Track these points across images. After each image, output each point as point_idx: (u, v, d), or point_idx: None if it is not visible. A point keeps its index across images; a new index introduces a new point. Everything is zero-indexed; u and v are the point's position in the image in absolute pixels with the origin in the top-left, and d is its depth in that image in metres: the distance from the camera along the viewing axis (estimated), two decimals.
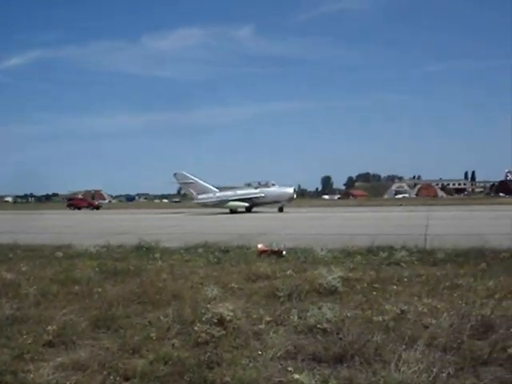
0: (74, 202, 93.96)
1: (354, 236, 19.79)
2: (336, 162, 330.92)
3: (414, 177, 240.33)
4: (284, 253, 14.10)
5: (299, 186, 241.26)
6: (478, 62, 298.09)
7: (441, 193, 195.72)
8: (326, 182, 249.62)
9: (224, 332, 6.66)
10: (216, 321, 6.99)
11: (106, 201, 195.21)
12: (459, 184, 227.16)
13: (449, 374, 5.28)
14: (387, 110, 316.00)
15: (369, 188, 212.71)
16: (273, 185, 55.61)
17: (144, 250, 15.81)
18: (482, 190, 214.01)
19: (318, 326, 6.87)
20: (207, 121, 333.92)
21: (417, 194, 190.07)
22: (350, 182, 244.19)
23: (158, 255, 14.46)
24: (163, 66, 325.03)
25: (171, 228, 31.26)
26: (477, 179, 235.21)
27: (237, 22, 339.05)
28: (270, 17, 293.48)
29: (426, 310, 7.61)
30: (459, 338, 6.30)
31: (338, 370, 5.59)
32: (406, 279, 10.19)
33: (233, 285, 9.95)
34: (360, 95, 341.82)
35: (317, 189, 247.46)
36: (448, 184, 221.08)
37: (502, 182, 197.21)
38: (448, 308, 7.63)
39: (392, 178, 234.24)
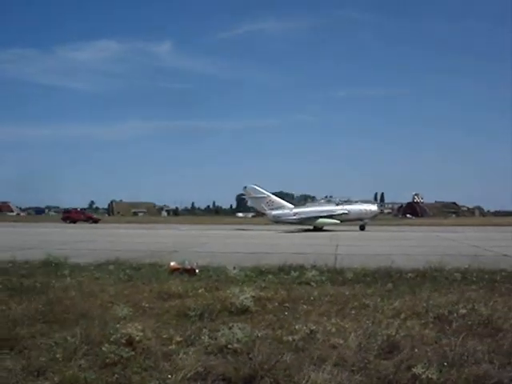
0: (71, 215, 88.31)
1: (267, 254, 19.98)
2: (250, 179, 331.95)
3: (326, 196, 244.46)
4: (197, 271, 14.02)
5: (214, 203, 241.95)
6: (387, 90, 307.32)
7: None
8: (241, 199, 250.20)
9: (133, 353, 6.53)
10: (125, 341, 6.85)
11: (14, 213, 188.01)
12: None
13: None
14: (299, 129, 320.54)
15: None
16: (356, 202, 53.74)
17: (52, 266, 15.30)
18: (390, 211, 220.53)
19: (229, 346, 6.85)
20: (104, 135, 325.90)
21: None
22: None
23: (66, 272, 14.02)
24: (75, 78, 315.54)
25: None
26: (385, 201, 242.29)
27: (156, 37, 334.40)
28: (189, 34, 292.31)
29: (334, 330, 7.75)
30: (366, 358, 6.45)
31: None
32: (315, 299, 10.34)
33: (144, 304, 9.79)
34: (273, 114, 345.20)
35: (231, 206, 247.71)
36: None
37: (409, 204, 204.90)
38: (356, 328, 7.80)
39: (305, 198, 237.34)
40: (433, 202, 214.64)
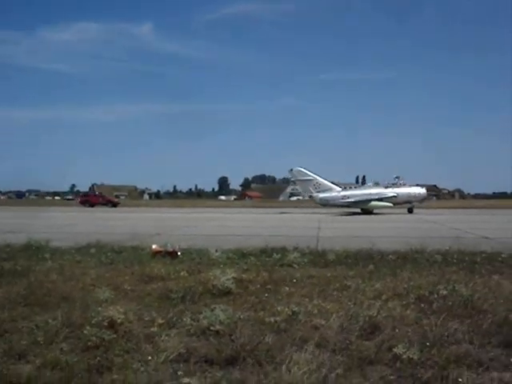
0: (89, 199, 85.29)
1: (249, 237, 20.01)
2: (233, 162, 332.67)
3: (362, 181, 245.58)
4: (179, 253, 14.00)
5: (196, 187, 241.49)
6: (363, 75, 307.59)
7: None
8: (223, 182, 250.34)
9: (115, 335, 6.52)
10: (106, 324, 6.83)
11: None
12: (350, 187, 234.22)
13: (337, 374, 5.43)
14: (285, 113, 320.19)
15: (264, 190, 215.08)
16: (404, 185, 52.20)
17: (34, 250, 15.18)
18: None
19: (211, 328, 6.86)
20: (90, 118, 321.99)
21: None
22: (247, 184, 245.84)
23: (47, 255, 13.93)
24: (57, 59, 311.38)
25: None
26: (367, 183, 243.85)
27: (138, 18, 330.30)
28: (172, 16, 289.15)
29: (316, 311, 7.79)
30: (348, 339, 6.50)
31: (230, 372, 5.61)
32: (297, 280, 10.38)
33: (125, 286, 9.76)
34: (260, 98, 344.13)
35: (213, 189, 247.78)
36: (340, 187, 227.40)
37: None
38: (337, 309, 7.85)
39: (287, 181, 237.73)
40: (414, 184, 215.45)
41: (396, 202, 50.85)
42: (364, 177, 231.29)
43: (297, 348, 6.10)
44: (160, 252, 14.04)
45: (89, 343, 6.29)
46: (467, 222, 34.66)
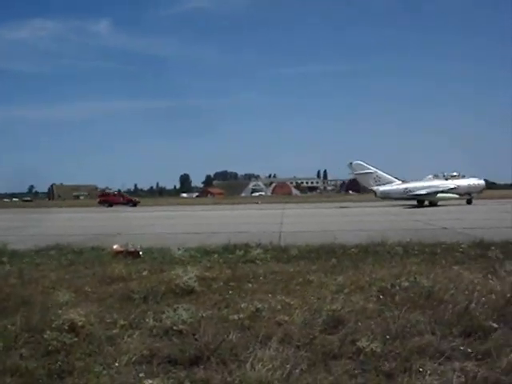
0: (109, 199, 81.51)
1: (212, 234, 19.94)
2: (194, 160, 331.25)
3: (269, 175, 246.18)
4: (141, 253, 13.86)
5: (157, 184, 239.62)
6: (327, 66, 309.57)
7: (295, 191, 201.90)
8: (185, 180, 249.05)
9: (76, 339, 6.41)
10: (67, 327, 6.71)
11: None
12: (312, 182, 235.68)
13: (302, 369, 5.43)
14: (241, 108, 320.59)
15: (226, 186, 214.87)
16: (463, 176, 52.85)
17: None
18: (333, 187, 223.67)
19: (174, 327, 6.80)
20: (45, 117, 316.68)
21: (272, 192, 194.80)
22: (209, 180, 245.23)
23: (5, 259, 13.62)
24: (15, 58, 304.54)
25: None
26: (328, 178, 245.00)
27: (95, 15, 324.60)
28: (129, 11, 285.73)
29: (279, 307, 7.79)
30: (311, 334, 6.50)
31: (193, 371, 5.56)
32: (261, 277, 10.37)
33: (86, 288, 9.62)
34: (217, 94, 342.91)
35: (175, 187, 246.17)
36: (302, 182, 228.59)
37: (351, 181, 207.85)
38: (301, 304, 7.86)
39: (249, 177, 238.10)
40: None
41: (457, 193, 51.32)
42: (325, 171, 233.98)
43: (261, 345, 6.08)
44: (121, 252, 13.88)
45: (49, 348, 6.17)
46: (427, 213, 35.18)
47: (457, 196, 50.80)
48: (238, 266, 11.70)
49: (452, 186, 51.35)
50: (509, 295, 7.92)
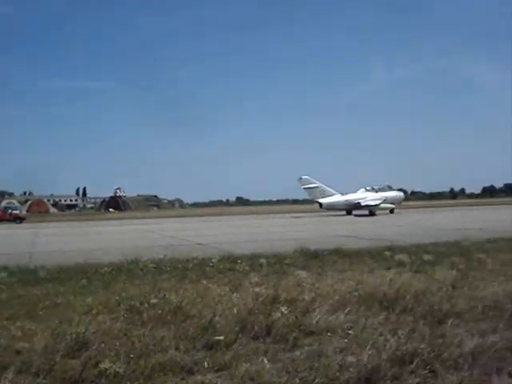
0: None
1: None
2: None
3: (25, 193, 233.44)
4: None
5: None
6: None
7: (52, 209, 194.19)
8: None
9: None
10: None
11: None
12: (71, 200, 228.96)
13: None
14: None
15: None
16: (390, 188, 60.49)
17: None
18: (93, 205, 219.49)
19: None
20: None
21: (28, 210, 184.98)
22: None
23: None
24: None
25: None
26: (88, 195, 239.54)
27: None
28: None
29: (20, 334, 7.32)
30: (52, 359, 6.18)
31: None
32: (3, 302, 9.68)
33: None
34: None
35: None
36: (60, 200, 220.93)
37: (111, 198, 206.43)
38: (43, 329, 7.45)
39: (2, 194, 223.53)
40: (135, 195, 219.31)
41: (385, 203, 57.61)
42: (85, 189, 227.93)
43: None
44: None
45: None
46: (184, 230, 36.04)
47: (393, 206, 58.03)
48: None
49: (384, 198, 57.74)
50: (251, 306, 8.36)
